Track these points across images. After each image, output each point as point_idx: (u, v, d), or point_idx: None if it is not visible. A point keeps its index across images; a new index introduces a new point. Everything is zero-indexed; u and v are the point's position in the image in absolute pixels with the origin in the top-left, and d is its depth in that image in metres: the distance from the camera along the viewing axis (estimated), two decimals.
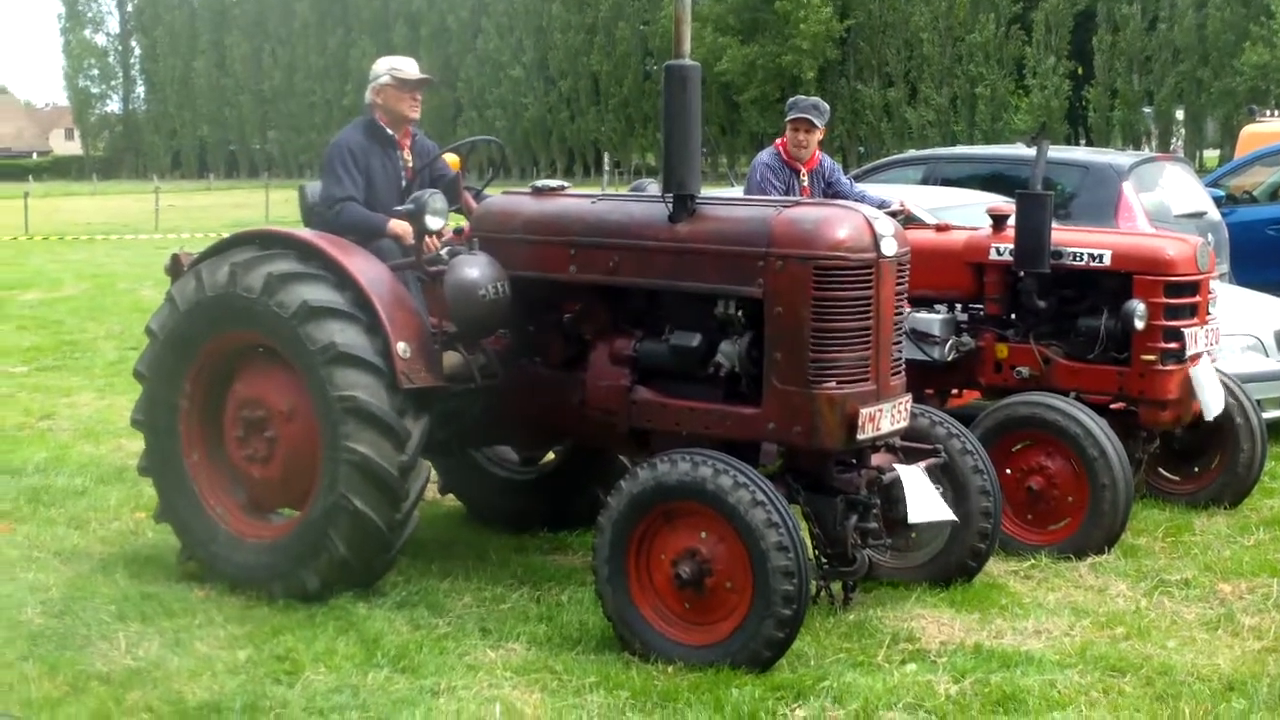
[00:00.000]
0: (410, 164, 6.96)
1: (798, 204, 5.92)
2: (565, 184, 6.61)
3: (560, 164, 76.72)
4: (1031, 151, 8.09)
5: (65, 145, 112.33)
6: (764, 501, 5.14)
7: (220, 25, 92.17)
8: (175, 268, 6.77)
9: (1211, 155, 57.57)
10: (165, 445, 6.59)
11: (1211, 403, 7.31)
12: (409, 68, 6.97)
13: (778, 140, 8.74)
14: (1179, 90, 57.87)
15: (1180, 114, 60.06)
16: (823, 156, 8.74)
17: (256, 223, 34.03)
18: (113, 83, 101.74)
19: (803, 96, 8.86)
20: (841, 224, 5.56)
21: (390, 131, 6.89)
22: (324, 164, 6.84)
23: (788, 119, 8.54)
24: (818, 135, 8.52)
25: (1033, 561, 6.86)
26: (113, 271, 23.36)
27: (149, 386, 6.65)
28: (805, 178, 8.54)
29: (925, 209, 9.89)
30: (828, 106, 8.85)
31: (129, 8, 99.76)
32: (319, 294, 6.08)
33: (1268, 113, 22.14)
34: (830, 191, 8.57)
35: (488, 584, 6.50)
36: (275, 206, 37.61)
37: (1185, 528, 7.49)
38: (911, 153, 20.17)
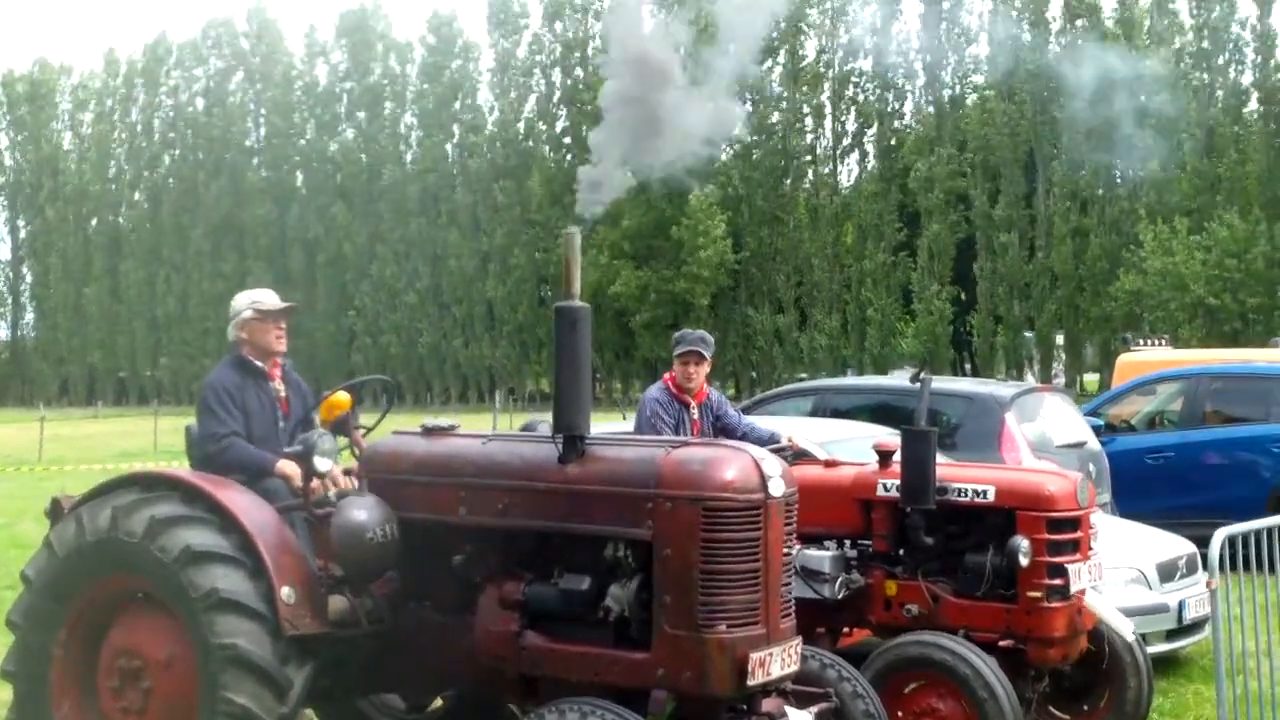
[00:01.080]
0: (284, 395, 6.95)
1: (686, 444, 5.95)
2: (455, 424, 6.62)
3: (454, 391, 76.93)
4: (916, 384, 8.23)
5: None
6: None
7: (115, 251, 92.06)
8: (55, 511, 6.64)
9: (1092, 379, 59.15)
10: (36, 697, 6.36)
11: (1122, 627, 7.36)
12: (269, 299, 7.03)
13: (666, 375, 8.84)
14: (1058, 316, 59.70)
15: (1060, 339, 61.82)
16: (709, 390, 8.82)
17: (145, 454, 33.57)
18: (1, 310, 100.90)
19: (689, 330, 9.02)
20: (729, 464, 5.59)
21: (259, 364, 6.91)
22: (199, 404, 6.82)
23: (676, 353, 8.60)
24: (706, 367, 8.62)
25: None
26: None
27: (22, 635, 6.45)
28: (695, 411, 8.61)
29: (815, 442, 10.03)
30: (712, 338, 8.98)
31: (21, 234, 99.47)
32: (202, 538, 5.98)
33: (1142, 341, 22.88)
34: (719, 425, 8.64)
35: None
36: (164, 435, 37.04)
37: None
38: (801, 384, 20.50)
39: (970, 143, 61.97)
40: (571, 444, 5.86)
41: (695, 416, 8.59)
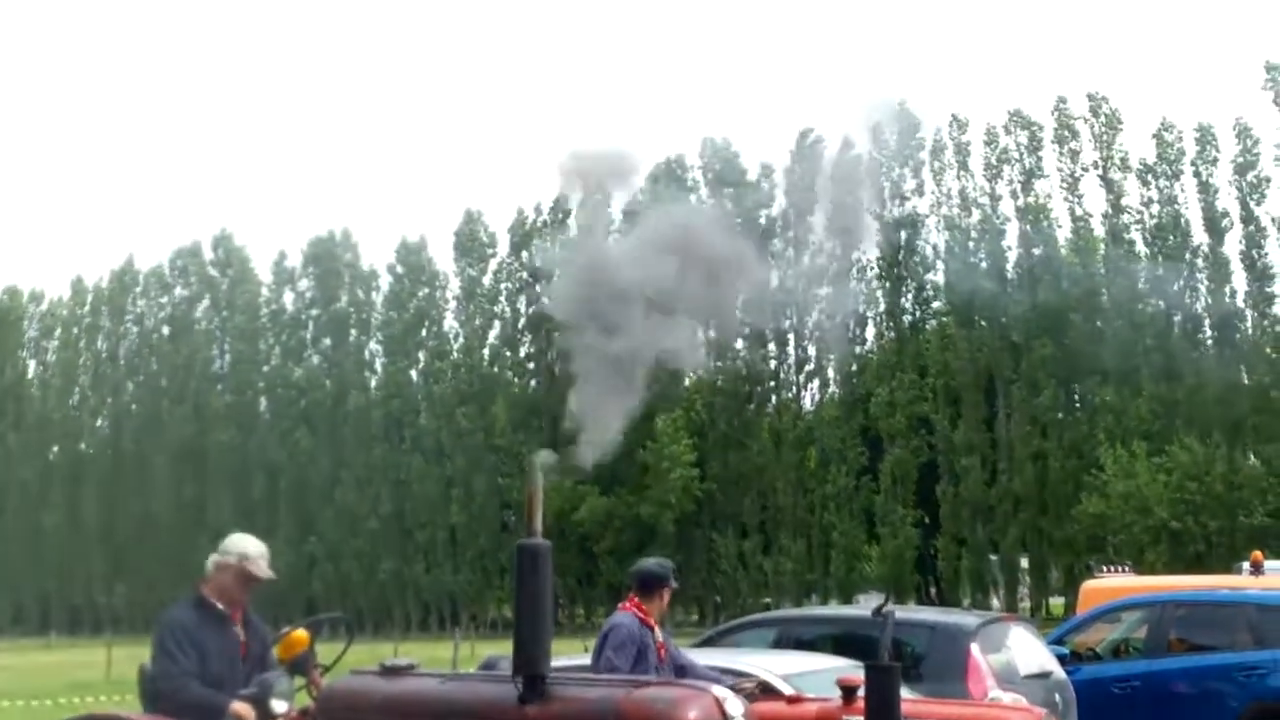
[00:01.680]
0: (243, 639, 6.91)
1: (647, 683, 5.93)
2: (414, 662, 6.59)
3: (415, 618, 75.88)
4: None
5: None
6: None
7: (75, 478, 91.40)
8: None
9: (1057, 602, 58.93)
10: None
11: None
12: (259, 560, 7.02)
13: (629, 603, 8.80)
14: (1022, 540, 59.78)
15: (1025, 562, 61.80)
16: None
17: (97, 686, 32.79)
18: None
19: (668, 561, 9.04)
20: (691, 704, 5.59)
21: (222, 607, 6.87)
22: (155, 642, 6.75)
23: (667, 585, 8.60)
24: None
25: None
26: None
27: None
28: (659, 634, 8.62)
29: (779, 674, 9.97)
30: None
31: None
32: None
33: (1106, 568, 22.94)
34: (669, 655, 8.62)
35: None
36: (117, 664, 36.26)
37: None
38: (764, 614, 20.39)
39: (931, 368, 62.84)
40: (532, 684, 5.84)
41: (660, 638, 8.60)
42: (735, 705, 5.71)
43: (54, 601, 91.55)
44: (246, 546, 7.09)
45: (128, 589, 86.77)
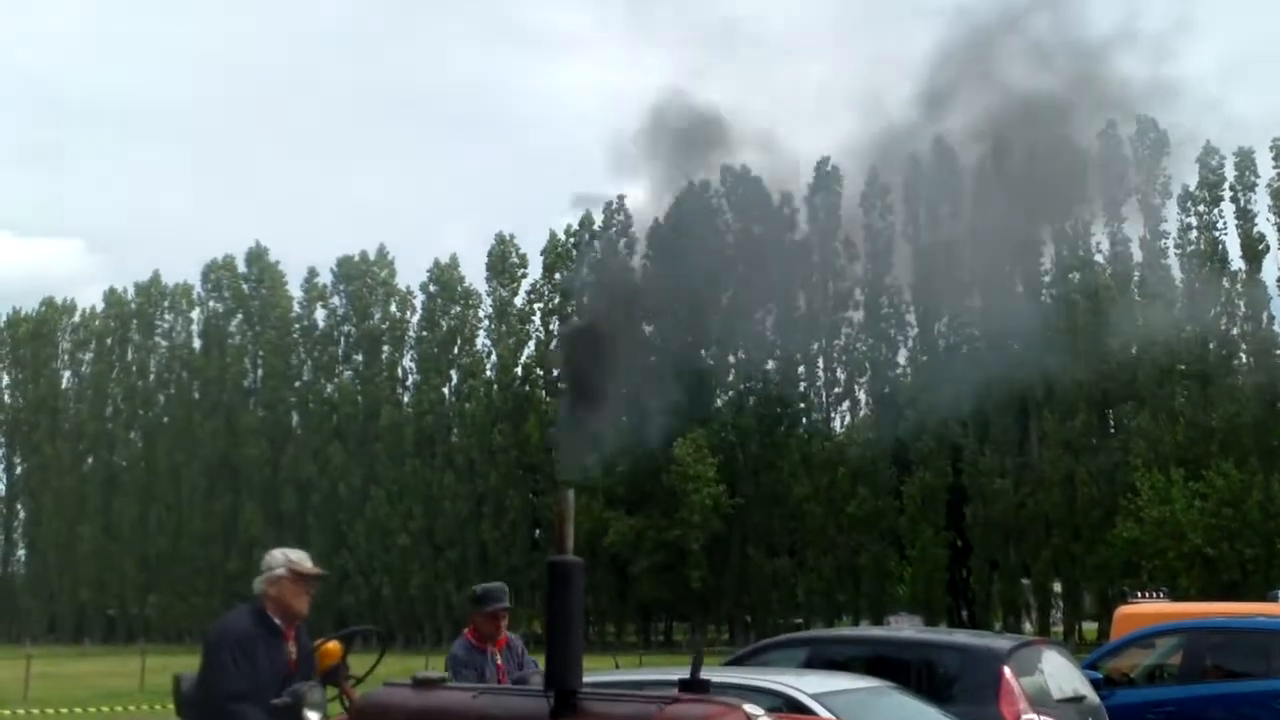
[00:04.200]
0: (294, 656, 6.90)
1: (678, 700, 5.91)
2: (447, 675, 6.59)
3: (446, 632, 75.88)
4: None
5: None
6: None
7: (109, 489, 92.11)
8: None
9: (1090, 627, 58.53)
10: None
11: None
12: (303, 561, 7.02)
13: (466, 630, 9.20)
14: (1055, 563, 59.39)
15: (1058, 586, 61.43)
16: (510, 634, 9.24)
17: (130, 695, 32.97)
18: None
19: (491, 585, 9.53)
20: None
21: (278, 622, 6.86)
22: (210, 651, 6.72)
23: (486, 610, 9.04)
24: (506, 618, 9.12)
25: None
26: None
27: None
28: (498, 656, 8.95)
29: (809, 694, 9.94)
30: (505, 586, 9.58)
31: (17, 471, 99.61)
32: None
33: (1140, 593, 22.75)
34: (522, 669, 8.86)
35: None
36: (151, 675, 36.43)
37: None
38: (796, 634, 20.31)
39: (962, 390, 62.54)
40: (564, 699, 5.84)
41: (500, 662, 8.87)
42: None
43: (89, 610, 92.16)
44: (286, 554, 7.10)
45: (160, 599, 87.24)
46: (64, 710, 28.64)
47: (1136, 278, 61.36)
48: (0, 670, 47.15)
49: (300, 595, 6.97)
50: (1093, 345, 59.41)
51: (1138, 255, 62.32)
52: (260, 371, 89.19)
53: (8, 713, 30.02)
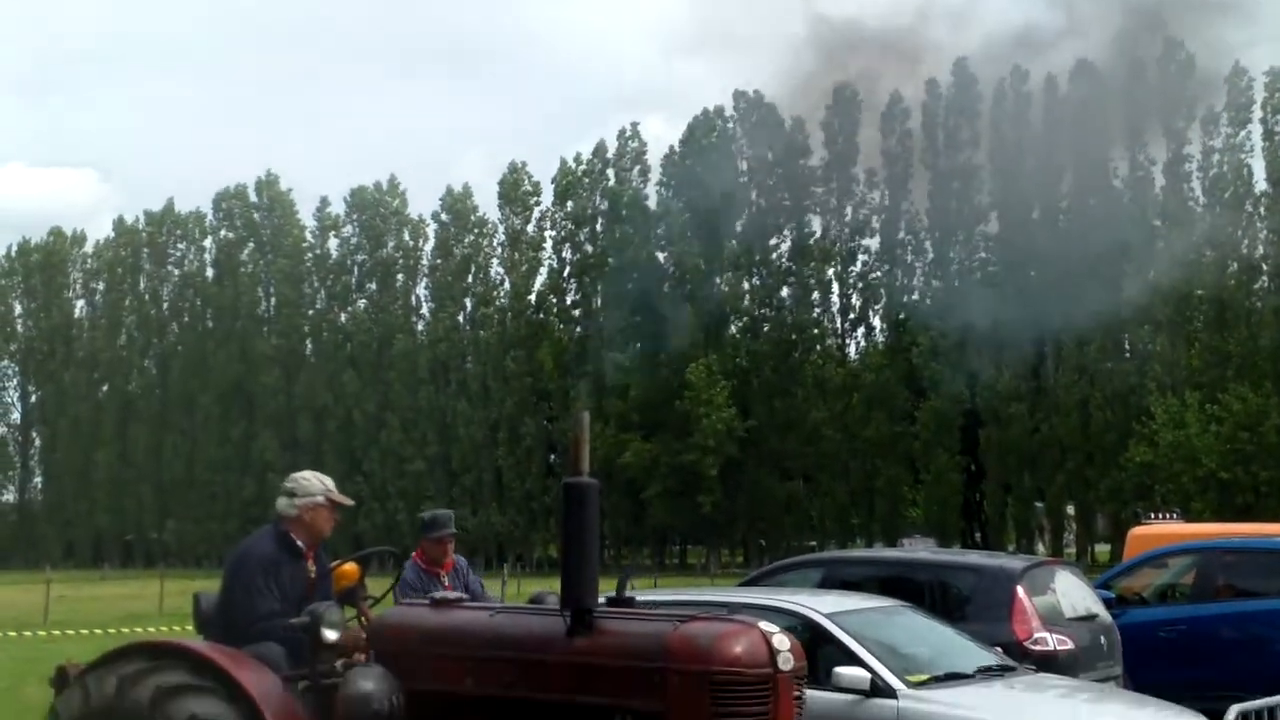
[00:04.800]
0: (313, 576, 6.96)
1: (694, 618, 5.94)
2: (463, 595, 6.63)
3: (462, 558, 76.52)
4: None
5: None
6: None
7: (124, 417, 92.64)
8: (60, 679, 6.60)
9: (1103, 550, 58.78)
10: None
11: None
12: (334, 488, 7.09)
13: (415, 553, 9.29)
14: (1068, 487, 59.47)
15: (1071, 510, 61.58)
16: (457, 557, 9.41)
17: (150, 617, 33.29)
18: (10, 473, 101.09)
19: (438, 511, 9.79)
20: (739, 640, 5.61)
21: (300, 544, 6.91)
22: (235, 574, 6.76)
23: (432, 536, 9.19)
24: (453, 542, 9.31)
25: None
26: None
27: None
28: (445, 579, 9.01)
29: (824, 613, 10.01)
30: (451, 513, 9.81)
31: (32, 399, 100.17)
32: (209, 708, 5.96)
33: (1154, 515, 22.84)
34: (468, 590, 8.92)
35: None
36: (170, 598, 36.76)
37: None
38: (810, 555, 20.43)
39: (976, 316, 62.33)
40: (580, 617, 5.87)
41: (447, 583, 8.92)
42: (782, 640, 5.72)
43: (106, 536, 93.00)
44: (325, 482, 7.13)
45: (177, 525, 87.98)
46: (84, 631, 28.95)
47: (1159, 198, 60.73)
48: (20, 594, 47.63)
49: (331, 522, 7.07)
50: (1110, 270, 59.13)
51: (1160, 180, 61.76)
52: (273, 300, 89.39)
53: (29, 634, 30.38)
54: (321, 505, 6.99)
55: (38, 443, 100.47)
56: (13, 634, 30.89)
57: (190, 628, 7.21)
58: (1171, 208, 59.63)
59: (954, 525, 61.47)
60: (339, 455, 79.66)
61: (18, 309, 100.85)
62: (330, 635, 6.32)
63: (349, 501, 7.21)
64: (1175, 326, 57.50)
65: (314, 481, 7.09)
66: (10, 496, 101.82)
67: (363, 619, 7.00)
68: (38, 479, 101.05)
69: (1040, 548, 59.81)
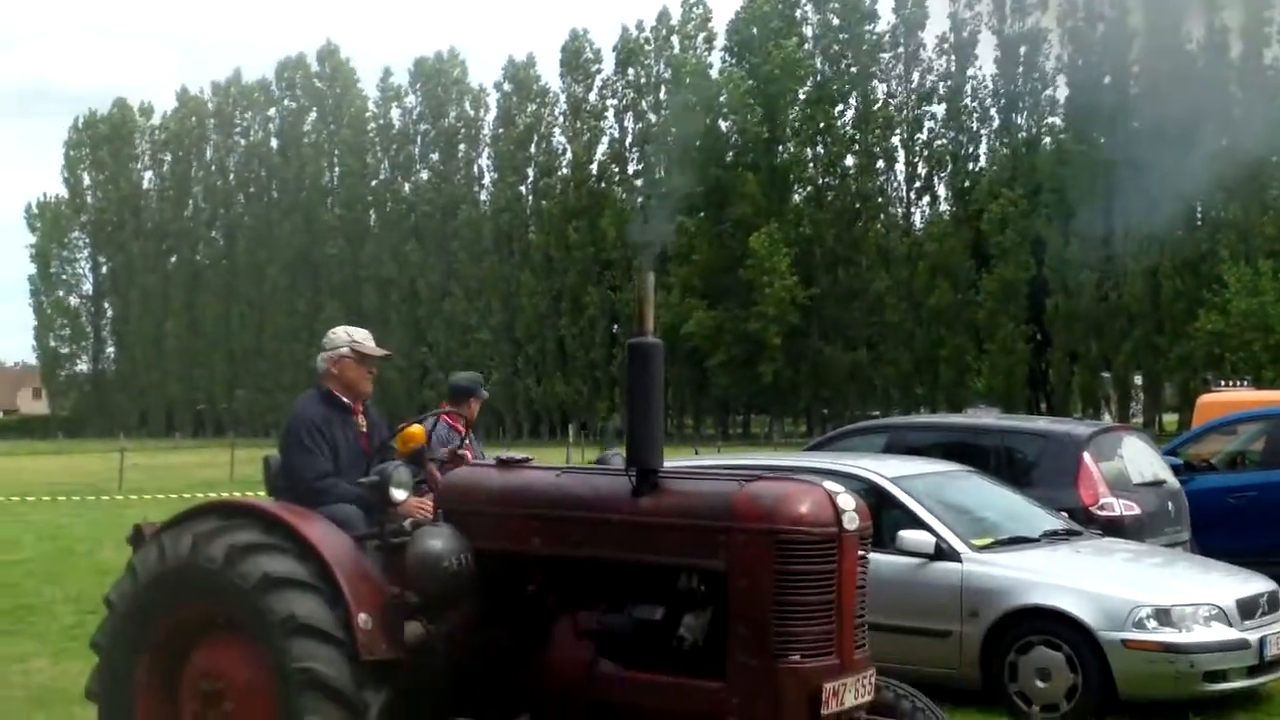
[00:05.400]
0: (365, 430, 7.01)
1: (759, 477, 5.93)
2: (529, 456, 6.65)
3: (526, 426, 77.19)
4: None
5: (32, 404, 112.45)
6: None
7: (193, 287, 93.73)
8: (137, 538, 6.72)
9: (1171, 419, 58.34)
10: (119, 718, 6.45)
11: None
12: (367, 341, 7.07)
13: (442, 410, 9.16)
14: (1136, 356, 58.88)
15: (1139, 379, 61.04)
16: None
17: (221, 484, 33.92)
18: (83, 343, 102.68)
19: (472, 375, 10.24)
20: (803, 499, 5.59)
21: (345, 400, 6.96)
22: (288, 437, 6.84)
23: (475, 397, 9.62)
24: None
25: None
26: (73, 533, 23.04)
27: (106, 658, 6.53)
28: (470, 439, 8.88)
29: (887, 477, 10.02)
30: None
31: (103, 270, 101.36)
32: (280, 566, 6.04)
33: (1223, 382, 22.60)
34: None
35: None
36: (240, 466, 37.45)
37: None
38: (874, 421, 20.40)
39: (1044, 184, 61.46)
40: (645, 477, 5.88)
41: (469, 443, 8.77)
42: (847, 500, 5.71)
43: (178, 405, 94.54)
44: (350, 333, 7.12)
45: (247, 394, 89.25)
46: (160, 496, 29.56)
47: (1234, 63, 59.14)
48: (96, 462, 48.71)
49: (364, 376, 7.05)
50: (1182, 134, 57.77)
51: (1236, 46, 60.05)
52: (337, 171, 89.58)
53: (106, 499, 31.09)
54: (346, 357, 6.98)
55: (109, 313, 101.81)
56: (90, 498, 31.65)
57: (262, 493, 7.30)
58: (1248, 73, 58.07)
59: (1019, 395, 61.14)
60: (404, 326, 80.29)
61: (86, 180, 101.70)
62: (399, 495, 6.38)
63: (379, 352, 7.11)
64: (1250, 194, 56.31)
65: (340, 334, 7.10)
66: (84, 366, 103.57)
67: (430, 481, 7.05)
68: (110, 349, 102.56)
69: (1107, 417, 59.40)
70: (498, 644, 6.35)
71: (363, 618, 6.00)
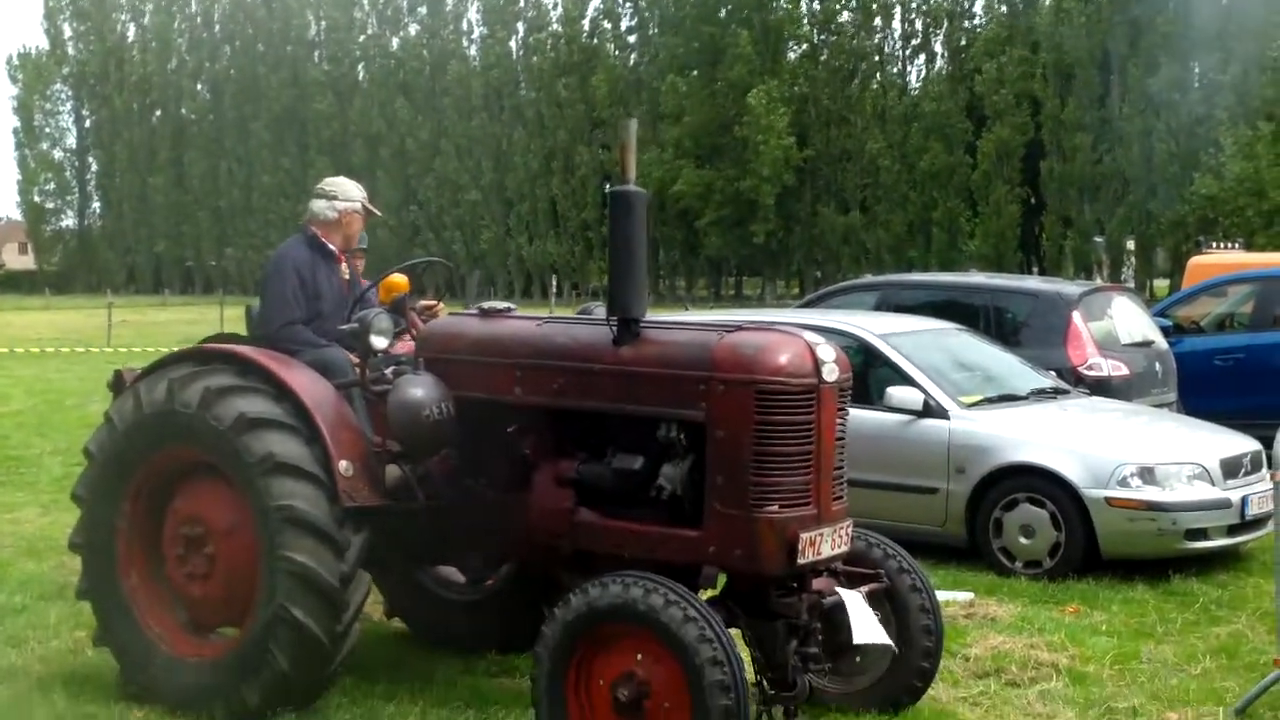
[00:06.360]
0: (347, 278, 7.01)
1: (740, 328, 5.88)
2: (512, 306, 6.61)
3: (518, 286, 77.10)
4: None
5: (18, 259, 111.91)
6: (696, 618, 5.06)
7: (178, 142, 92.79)
8: (118, 384, 6.71)
9: (1162, 284, 58.34)
10: (103, 567, 6.48)
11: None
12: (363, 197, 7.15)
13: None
14: (1129, 220, 58.68)
15: (1131, 244, 60.91)
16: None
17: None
18: (68, 197, 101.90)
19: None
20: (783, 350, 5.56)
21: (332, 248, 6.93)
22: (270, 278, 6.81)
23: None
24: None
25: (981, 689, 6.81)
26: (62, 387, 23.12)
27: (87, 508, 6.56)
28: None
29: (877, 334, 9.99)
30: None
31: (87, 124, 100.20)
32: (256, 406, 6.04)
33: (1214, 245, 22.55)
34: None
35: (433, 706, 6.40)
36: (230, 324, 37.28)
37: (1132, 655, 7.43)
38: (866, 279, 20.33)
39: (1042, 43, 60.69)
40: (626, 326, 5.83)
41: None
42: (827, 351, 5.67)
43: (165, 262, 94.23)
44: (352, 186, 7.16)
45: (235, 251, 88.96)
46: (148, 349, 29.56)
47: None
48: (83, 318, 48.68)
49: (361, 229, 7.20)
50: None
51: None
52: (323, 24, 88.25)
53: (95, 352, 31.12)
54: (358, 212, 7.07)
55: (94, 167, 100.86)
56: (80, 350, 31.67)
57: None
58: None
59: (1012, 258, 60.94)
60: (394, 184, 79.65)
61: (68, 31, 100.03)
62: (379, 342, 6.36)
63: (378, 211, 7.28)
64: (1249, 56, 55.61)
65: (351, 189, 7.13)
66: (70, 222, 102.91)
67: (411, 329, 7.02)
68: (96, 204, 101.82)
69: (1099, 281, 59.37)
70: (480, 493, 6.36)
71: (344, 464, 6.02)
